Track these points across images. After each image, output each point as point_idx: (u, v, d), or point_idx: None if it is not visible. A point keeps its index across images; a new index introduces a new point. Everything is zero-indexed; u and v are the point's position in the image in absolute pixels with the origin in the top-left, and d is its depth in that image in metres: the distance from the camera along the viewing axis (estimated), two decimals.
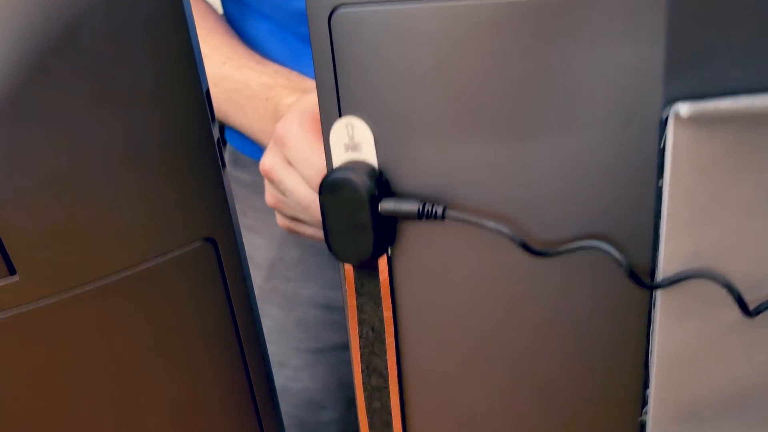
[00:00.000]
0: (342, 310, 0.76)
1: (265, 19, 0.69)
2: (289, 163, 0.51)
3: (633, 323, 0.33)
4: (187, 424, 0.39)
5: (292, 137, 0.50)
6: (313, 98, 0.54)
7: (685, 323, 0.32)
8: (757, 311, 0.31)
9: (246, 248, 0.40)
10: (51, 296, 0.35)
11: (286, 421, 0.59)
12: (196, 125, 0.35)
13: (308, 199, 0.52)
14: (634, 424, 0.35)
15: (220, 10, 0.75)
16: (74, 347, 0.36)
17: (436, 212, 0.32)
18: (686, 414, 0.34)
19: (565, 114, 0.30)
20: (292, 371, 0.77)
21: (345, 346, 0.77)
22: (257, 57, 0.65)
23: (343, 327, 0.76)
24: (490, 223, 0.31)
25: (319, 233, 0.57)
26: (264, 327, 0.41)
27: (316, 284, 0.76)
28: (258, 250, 0.78)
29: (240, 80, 0.63)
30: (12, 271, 0.34)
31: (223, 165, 0.37)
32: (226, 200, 0.38)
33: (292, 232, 0.58)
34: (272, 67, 0.63)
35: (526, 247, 0.31)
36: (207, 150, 0.36)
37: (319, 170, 0.49)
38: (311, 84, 0.62)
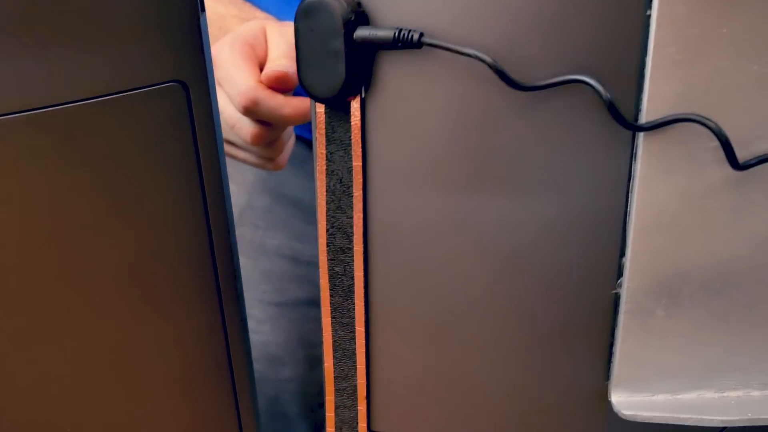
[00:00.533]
0: (308, 264, 0.74)
1: None
2: (219, 85, 0.52)
3: (613, 177, 0.31)
4: (141, 265, 0.37)
5: (222, 59, 0.52)
6: (250, 24, 0.55)
7: (668, 178, 0.30)
8: (747, 165, 0.29)
9: None
10: (12, 112, 0.33)
11: None
12: None
13: (233, 118, 0.53)
14: (608, 299, 0.33)
15: None
16: (33, 169, 0.34)
17: (412, 37, 0.30)
18: (663, 289, 0.32)
19: None
20: (254, 323, 0.74)
21: (309, 302, 0.74)
22: None
23: (309, 282, 0.74)
24: (469, 50, 0.29)
25: (252, 157, 0.57)
26: None
27: (283, 235, 0.74)
28: None
29: None
30: None
31: (202, 9, 0.35)
32: (202, 47, 0.36)
33: (227, 155, 0.57)
34: None
35: (506, 78, 0.29)
36: None
37: (242, 91, 0.50)
38: (260, 15, 0.63)
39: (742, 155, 0.29)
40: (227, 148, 0.57)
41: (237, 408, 0.44)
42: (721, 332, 0.33)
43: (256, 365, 0.74)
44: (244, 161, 0.58)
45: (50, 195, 0.34)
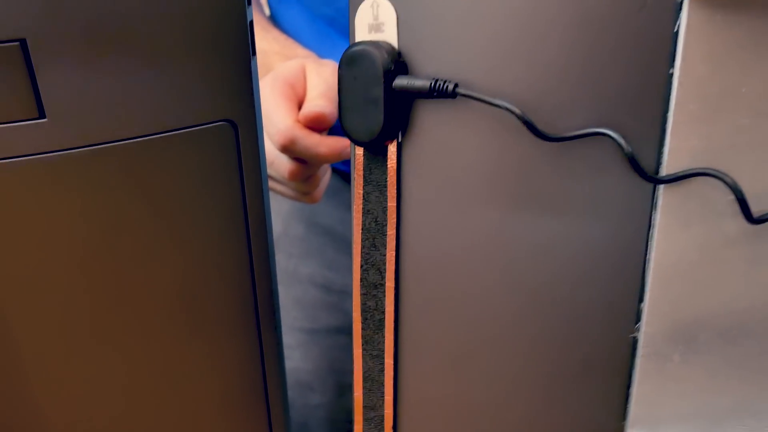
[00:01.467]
0: (339, 292, 0.75)
1: (296, 1, 0.71)
2: None
3: (634, 225, 0.31)
4: (187, 292, 0.38)
5: (262, 98, 0.53)
6: (290, 64, 0.57)
7: (686, 228, 0.31)
8: (762, 219, 0.30)
9: None
10: (75, 146, 0.34)
11: None
12: (233, 16, 0.35)
13: (272, 155, 0.55)
14: (627, 341, 0.33)
15: None
16: (91, 200, 0.36)
17: (447, 88, 0.31)
18: (680, 334, 0.32)
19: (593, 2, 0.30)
20: (285, 349, 0.75)
21: (340, 330, 0.75)
22: (264, 23, 0.67)
23: (340, 310, 0.75)
24: (500, 101, 0.30)
25: (289, 191, 0.58)
26: None
27: (316, 263, 0.75)
28: None
29: None
30: (42, 115, 0.34)
31: (253, 53, 0.37)
32: (252, 88, 0.37)
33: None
34: (272, 33, 0.65)
35: (533, 129, 0.30)
36: (239, 38, 0.36)
37: (281, 130, 0.52)
38: (302, 52, 0.64)
39: (759, 209, 0.30)
40: (270, 184, 0.59)
41: (270, 429, 0.45)
42: (736, 379, 0.33)
43: None
44: (281, 194, 0.60)
45: (110, 223, 0.36)
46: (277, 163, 0.55)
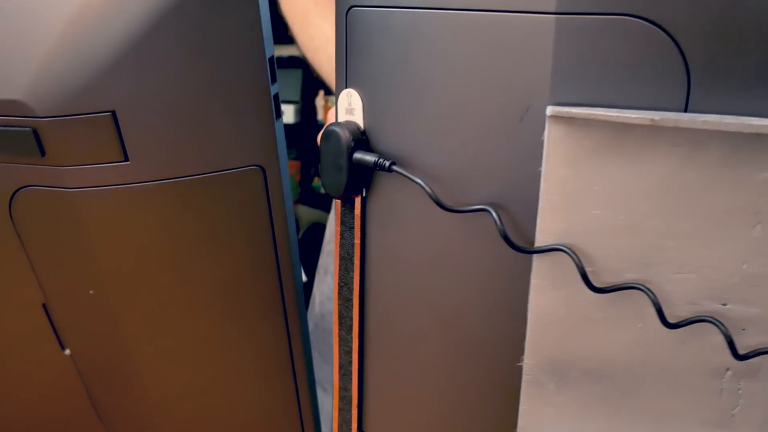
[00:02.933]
0: None
1: None
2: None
3: (520, 282, 0.39)
4: (229, 292, 0.50)
5: None
6: None
7: (554, 289, 0.37)
8: (604, 290, 0.36)
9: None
10: (147, 180, 0.47)
11: None
12: (258, 86, 0.46)
13: None
14: (518, 369, 0.40)
15: None
16: (159, 220, 0.48)
17: (385, 165, 0.40)
18: (554, 369, 0.39)
19: (490, 112, 0.37)
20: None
21: None
22: None
23: None
24: (415, 178, 0.39)
25: None
26: None
27: None
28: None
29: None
30: (126, 158, 0.46)
31: (278, 116, 0.48)
32: (276, 142, 0.48)
33: None
34: None
35: (437, 203, 0.38)
36: (266, 104, 0.47)
37: None
38: None
39: (605, 281, 0.36)
40: None
41: (298, 399, 0.57)
42: (600, 411, 0.39)
43: None
44: None
45: (173, 237, 0.49)
46: None
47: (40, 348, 0.57)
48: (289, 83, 2.17)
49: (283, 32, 0.81)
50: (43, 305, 0.54)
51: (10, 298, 0.55)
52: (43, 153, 0.45)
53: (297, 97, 2.18)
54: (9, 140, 0.45)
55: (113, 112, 0.44)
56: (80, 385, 0.59)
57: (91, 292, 0.51)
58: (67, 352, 0.57)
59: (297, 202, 2.25)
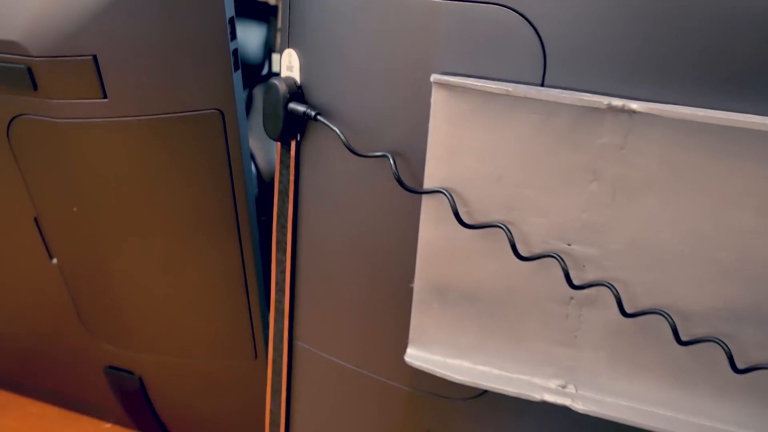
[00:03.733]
0: None
1: None
2: None
3: (415, 218, 0.46)
4: (191, 217, 0.59)
5: None
6: None
7: (437, 224, 0.45)
8: (472, 226, 0.43)
9: None
10: (124, 116, 0.55)
11: None
12: (219, 41, 0.53)
13: None
14: (410, 289, 0.48)
15: None
16: (131, 149, 0.56)
17: (311, 114, 0.48)
18: (437, 291, 0.47)
19: (394, 77, 0.44)
20: None
21: None
22: None
23: None
24: (332, 125, 0.46)
25: None
26: None
27: None
28: None
29: None
30: (105, 96, 0.54)
31: (236, 68, 0.55)
32: (233, 90, 0.56)
33: None
34: None
35: (349, 148, 0.46)
36: (226, 57, 0.55)
37: None
38: None
39: (477, 220, 0.44)
40: None
41: (250, 313, 0.65)
42: (474, 326, 0.47)
43: None
44: None
45: (139, 163, 0.57)
46: None
47: (32, 257, 0.66)
48: None
49: None
50: (35, 219, 0.63)
51: (7, 212, 0.64)
52: (35, 87, 0.53)
53: None
54: (7, 75, 0.53)
55: (95, 57, 0.52)
56: (66, 292, 0.68)
57: (75, 209, 0.60)
58: (55, 261, 0.66)
59: None
